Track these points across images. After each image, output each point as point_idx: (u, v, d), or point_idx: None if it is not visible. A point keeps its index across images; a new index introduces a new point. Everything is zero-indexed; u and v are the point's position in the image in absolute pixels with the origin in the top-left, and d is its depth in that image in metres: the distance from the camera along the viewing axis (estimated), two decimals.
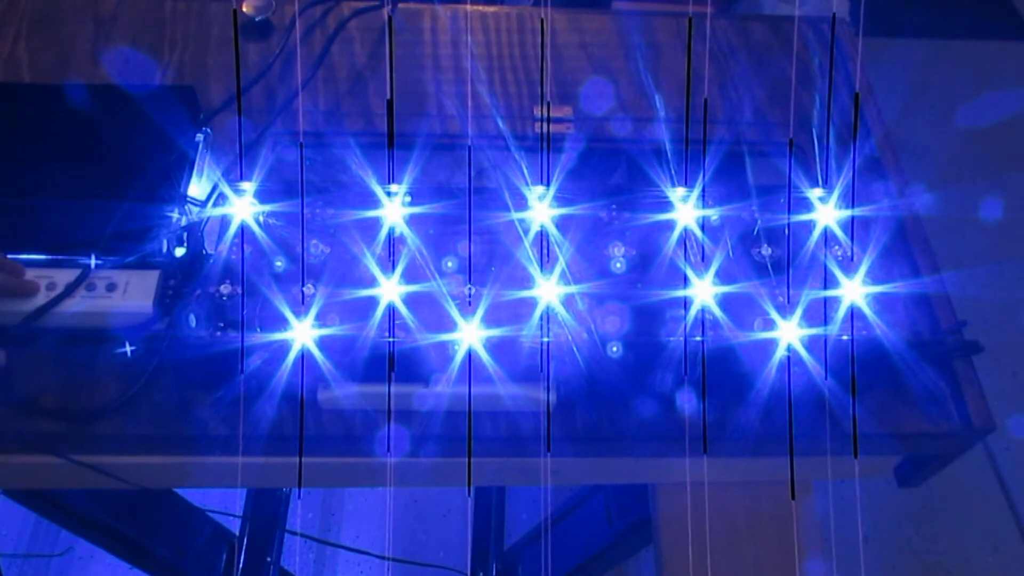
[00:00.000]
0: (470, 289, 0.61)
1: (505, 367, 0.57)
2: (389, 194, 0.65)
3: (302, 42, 0.81)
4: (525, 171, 0.70)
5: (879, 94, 0.82)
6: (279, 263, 0.61)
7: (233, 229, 0.62)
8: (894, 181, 0.75)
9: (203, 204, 0.64)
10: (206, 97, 0.75)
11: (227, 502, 1.31)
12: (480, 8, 0.86)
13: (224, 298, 0.59)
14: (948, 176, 2.01)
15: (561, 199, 0.66)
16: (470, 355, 0.57)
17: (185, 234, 0.62)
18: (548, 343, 0.57)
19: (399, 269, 0.61)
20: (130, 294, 0.59)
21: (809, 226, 0.66)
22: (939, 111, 2.14)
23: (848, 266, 0.64)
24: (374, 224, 0.64)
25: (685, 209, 0.66)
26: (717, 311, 0.60)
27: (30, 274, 0.59)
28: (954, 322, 0.66)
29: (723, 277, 0.62)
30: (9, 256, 0.60)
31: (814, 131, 0.78)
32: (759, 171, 0.77)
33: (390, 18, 0.84)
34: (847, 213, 0.66)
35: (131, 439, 0.58)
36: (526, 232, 0.65)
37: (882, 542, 1.47)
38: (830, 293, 0.61)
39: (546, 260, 0.63)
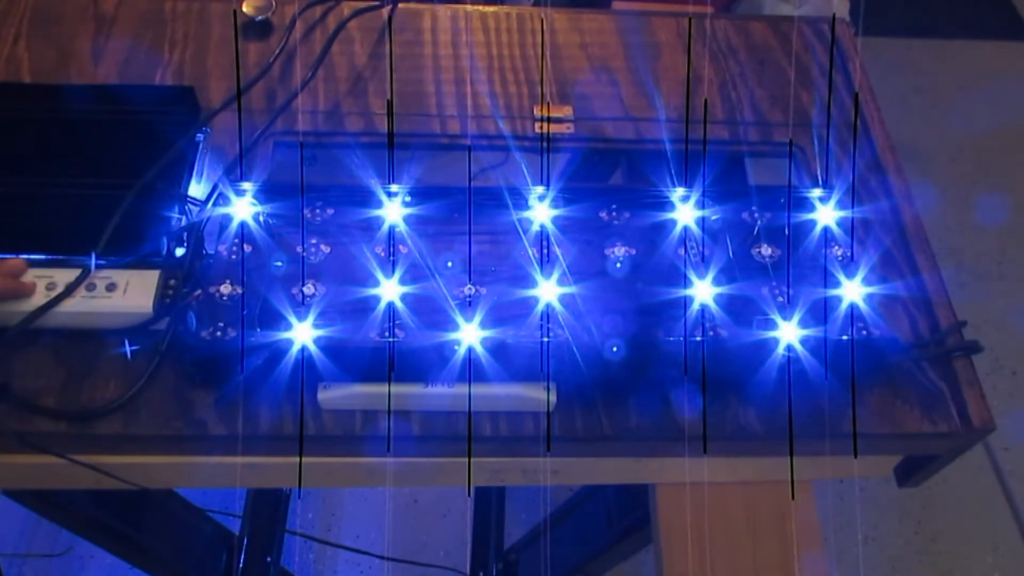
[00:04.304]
0: (470, 289, 0.61)
1: (505, 367, 0.57)
2: (389, 194, 0.65)
3: (302, 42, 0.81)
4: (525, 171, 0.70)
5: (879, 94, 0.82)
6: (279, 263, 0.61)
7: (233, 229, 0.62)
8: (894, 181, 0.75)
9: (203, 204, 0.64)
10: (206, 97, 0.75)
11: (227, 502, 1.31)
12: (480, 8, 0.86)
13: (224, 298, 0.59)
14: (948, 176, 2.01)
15: (561, 199, 0.66)
16: (470, 355, 0.57)
17: (185, 234, 0.62)
18: (548, 343, 0.57)
19: (399, 269, 0.61)
20: (130, 294, 0.59)
21: (809, 226, 0.66)
22: (939, 111, 2.14)
23: (848, 266, 0.64)
24: (374, 224, 0.64)
25: (685, 209, 0.66)
26: (717, 311, 0.60)
27: (30, 274, 0.59)
28: (954, 322, 0.66)
29: (723, 277, 0.62)
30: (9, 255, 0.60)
31: (814, 131, 0.78)
32: (759, 171, 0.77)
33: (390, 18, 0.84)
34: (847, 213, 0.66)
35: (131, 439, 0.58)
36: (526, 232, 0.65)
37: (882, 542, 1.47)
38: (830, 293, 0.61)
39: (546, 260, 0.63)
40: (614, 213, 0.66)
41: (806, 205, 0.67)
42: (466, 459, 0.61)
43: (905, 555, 1.46)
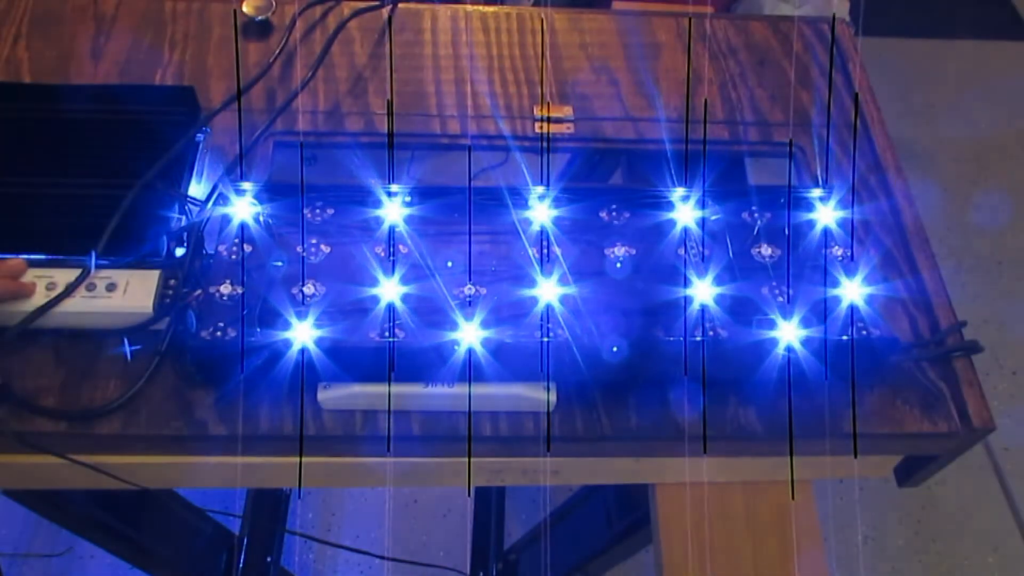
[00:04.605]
0: (470, 289, 0.61)
1: (505, 367, 0.57)
2: (389, 194, 0.65)
3: (302, 42, 0.81)
4: (525, 171, 0.70)
5: (879, 94, 0.82)
6: (279, 263, 0.61)
7: (233, 229, 0.62)
8: (894, 181, 0.75)
9: (203, 204, 0.64)
10: (206, 97, 0.75)
11: (227, 502, 1.31)
12: (480, 8, 0.86)
13: (224, 298, 0.59)
14: (948, 176, 2.01)
15: (561, 199, 0.66)
16: (470, 355, 0.57)
17: (185, 234, 0.62)
18: (548, 343, 0.57)
19: (399, 269, 0.61)
20: (130, 294, 0.59)
21: (809, 226, 0.66)
22: (939, 111, 2.14)
23: (848, 266, 0.64)
24: (374, 224, 0.64)
25: (685, 209, 0.66)
26: (717, 311, 0.60)
27: (30, 274, 0.59)
28: (954, 322, 0.66)
29: (723, 277, 0.62)
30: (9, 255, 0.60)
31: (814, 131, 0.78)
32: (759, 171, 0.77)
33: (390, 18, 0.84)
34: (847, 213, 0.66)
35: (131, 439, 0.58)
36: (526, 232, 0.65)
37: (882, 542, 1.47)
38: (830, 293, 0.61)
39: (546, 260, 0.63)
40: (614, 213, 0.66)
41: (806, 205, 0.67)
42: (466, 459, 0.61)
43: (905, 555, 1.46)
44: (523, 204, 0.66)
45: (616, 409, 0.61)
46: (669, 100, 0.80)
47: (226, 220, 0.63)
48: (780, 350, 0.59)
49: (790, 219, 0.66)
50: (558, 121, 0.77)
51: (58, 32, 0.80)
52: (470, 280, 0.61)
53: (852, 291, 0.61)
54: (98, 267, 0.60)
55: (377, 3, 0.83)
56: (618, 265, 0.63)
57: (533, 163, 0.72)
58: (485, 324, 0.58)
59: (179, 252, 0.62)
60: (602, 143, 0.77)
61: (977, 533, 1.49)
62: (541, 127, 0.76)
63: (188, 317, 0.58)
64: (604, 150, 0.77)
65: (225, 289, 0.59)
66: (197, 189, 0.67)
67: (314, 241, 0.63)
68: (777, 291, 0.62)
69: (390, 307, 0.59)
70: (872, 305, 0.61)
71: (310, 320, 0.57)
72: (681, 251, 0.64)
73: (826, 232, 0.66)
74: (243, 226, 0.62)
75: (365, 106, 0.77)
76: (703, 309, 0.60)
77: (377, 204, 0.65)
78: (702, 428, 0.60)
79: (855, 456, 0.61)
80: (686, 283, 0.61)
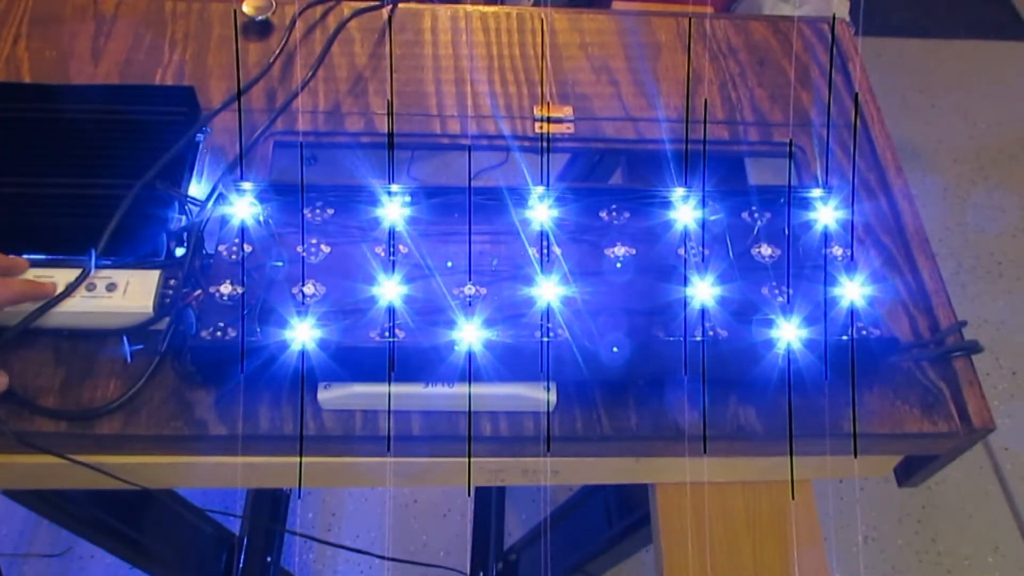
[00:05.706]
0: (470, 289, 0.61)
1: (505, 367, 0.57)
2: (389, 194, 0.65)
3: (302, 42, 0.81)
4: (525, 171, 0.70)
5: (879, 94, 0.82)
6: (279, 263, 0.61)
7: (233, 229, 0.62)
8: (894, 181, 0.75)
9: (203, 204, 0.64)
10: (206, 97, 0.75)
11: (227, 502, 1.31)
12: (480, 8, 0.86)
13: (224, 298, 0.59)
14: (948, 176, 2.01)
15: (562, 199, 0.66)
16: (470, 355, 0.57)
17: (185, 234, 0.62)
18: (548, 343, 0.57)
19: (399, 269, 0.61)
20: (130, 294, 0.59)
21: (809, 226, 0.66)
22: (939, 111, 2.14)
23: (848, 266, 0.64)
24: (374, 224, 0.64)
25: (685, 209, 0.66)
26: (717, 311, 0.60)
27: (30, 274, 0.59)
28: (954, 322, 0.66)
29: (723, 277, 0.62)
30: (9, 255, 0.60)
31: (814, 131, 0.78)
32: (759, 171, 0.77)
33: (390, 18, 0.84)
34: (847, 213, 0.66)
35: (131, 439, 0.58)
36: (526, 232, 0.65)
37: (882, 542, 1.47)
38: (830, 293, 0.61)
39: (546, 260, 0.63)
40: (614, 213, 0.66)
41: (806, 205, 0.67)
42: (466, 459, 0.61)
43: (905, 555, 1.46)
44: (523, 204, 0.66)
45: (616, 409, 0.61)
46: (669, 100, 0.80)
47: (226, 220, 0.63)
48: (780, 350, 0.59)
49: (790, 219, 0.66)
50: (558, 121, 0.77)
51: (58, 32, 0.80)
52: (470, 280, 0.61)
53: (852, 291, 0.61)
54: (98, 267, 0.60)
55: (377, 3, 0.83)
56: (618, 265, 0.63)
57: (533, 163, 0.72)
58: (485, 324, 0.58)
59: (179, 252, 0.62)
60: (602, 143, 0.77)
61: (977, 533, 1.49)
62: (541, 127, 0.76)
63: (188, 317, 0.58)
64: (604, 150, 0.77)
65: (225, 289, 0.59)
66: (197, 189, 0.67)
67: (314, 241, 0.63)
68: (777, 291, 0.62)
69: (390, 307, 0.59)
70: (872, 305, 0.61)
71: (310, 320, 0.57)
72: (681, 251, 0.64)
73: (826, 232, 0.66)
74: (243, 226, 0.62)
75: (365, 106, 0.77)
76: (703, 309, 0.60)
77: (377, 204, 0.65)
78: (702, 428, 0.60)
79: (855, 456, 0.61)
80: (686, 283, 0.61)
